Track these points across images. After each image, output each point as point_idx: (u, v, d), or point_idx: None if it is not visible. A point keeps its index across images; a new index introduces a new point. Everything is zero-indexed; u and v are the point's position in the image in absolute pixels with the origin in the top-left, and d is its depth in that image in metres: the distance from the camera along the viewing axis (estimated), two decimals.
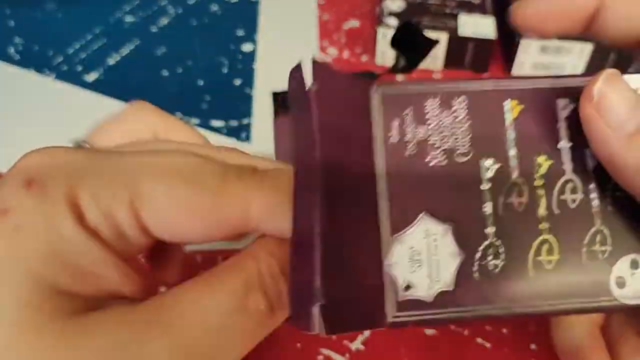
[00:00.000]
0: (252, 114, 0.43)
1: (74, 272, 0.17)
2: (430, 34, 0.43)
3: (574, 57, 0.44)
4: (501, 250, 0.19)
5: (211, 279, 0.19)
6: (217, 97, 0.44)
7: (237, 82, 0.45)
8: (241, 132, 0.42)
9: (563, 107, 0.20)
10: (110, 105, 0.44)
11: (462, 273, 0.19)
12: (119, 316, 0.17)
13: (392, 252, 0.19)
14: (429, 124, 0.20)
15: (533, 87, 0.21)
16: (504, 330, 0.31)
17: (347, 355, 0.31)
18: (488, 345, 0.31)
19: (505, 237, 0.19)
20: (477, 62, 0.45)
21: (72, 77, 0.46)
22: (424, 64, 0.45)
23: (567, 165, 0.20)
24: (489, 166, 0.20)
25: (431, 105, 0.20)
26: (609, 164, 0.19)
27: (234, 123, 0.42)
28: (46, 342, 0.15)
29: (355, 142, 0.20)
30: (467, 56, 0.45)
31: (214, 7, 0.53)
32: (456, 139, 0.20)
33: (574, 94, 0.20)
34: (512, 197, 0.20)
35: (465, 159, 0.20)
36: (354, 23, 0.51)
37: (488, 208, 0.20)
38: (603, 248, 0.19)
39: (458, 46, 0.44)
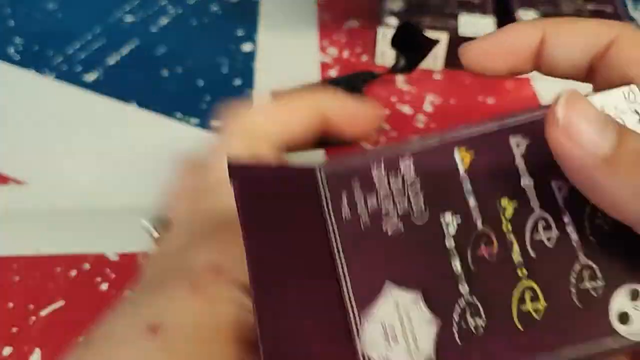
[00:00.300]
0: None
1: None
2: (430, 33, 0.43)
3: None
4: (480, 307, 0.18)
5: None
6: (217, 97, 0.44)
7: (237, 82, 0.45)
8: None
9: (517, 145, 0.19)
10: (110, 105, 0.44)
11: (443, 341, 0.17)
12: None
13: (363, 331, 0.18)
14: (379, 193, 0.19)
15: (480, 132, 0.19)
16: None
17: None
18: None
19: (482, 292, 0.18)
20: None
21: (72, 77, 0.46)
22: (424, 64, 0.45)
23: (534, 202, 0.18)
24: (450, 221, 0.19)
25: (377, 174, 0.20)
26: (588, 190, 0.17)
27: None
28: None
29: (299, 226, 0.19)
30: None
31: (214, 7, 0.53)
32: (409, 201, 0.19)
33: (526, 130, 0.19)
34: (481, 248, 0.18)
35: (424, 220, 0.19)
36: (353, 23, 0.51)
37: (457, 265, 0.18)
38: (594, 284, 0.17)
39: (458, 46, 0.44)
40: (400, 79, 0.45)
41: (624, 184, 0.16)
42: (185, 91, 0.45)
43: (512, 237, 0.18)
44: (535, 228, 0.18)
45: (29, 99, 0.44)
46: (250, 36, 0.50)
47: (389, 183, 0.19)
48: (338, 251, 0.19)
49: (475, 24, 0.44)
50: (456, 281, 0.18)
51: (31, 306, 0.32)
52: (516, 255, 0.18)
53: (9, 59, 0.47)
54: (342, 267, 0.18)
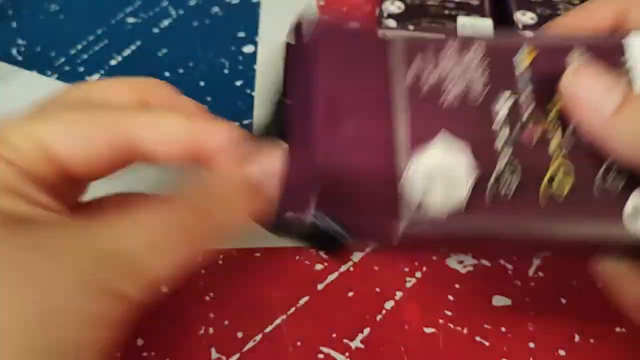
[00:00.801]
0: (253, 115, 0.43)
1: (11, 194, 0.21)
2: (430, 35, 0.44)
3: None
4: (514, 176, 0.20)
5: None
6: (218, 98, 0.45)
7: (238, 83, 0.46)
8: None
9: (577, 57, 0.21)
10: None
11: (475, 194, 0.20)
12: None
13: (408, 165, 0.20)
14: (446, 68, 0.21)
15: (551, 39, 0.22)
16: (503, 329, 0.31)
17: (347, 354, 0.31)
18: (487, 343, 0.31)
19: (519, 164, 0.20)
20: None
21: (74, 78, 0.46)
22: None
23: None
24: (502, 103, 0.21)
25: (449, 52, 0.22)
26: (598, 144, 0.20)
27: (234, 124, 0.43)
28: None
29: (366, 81, 0.21)
30: None
31: (215, 9, 0.53)
32: (470, 81, 0.21)
33: (588, 48, 0.21)
34: (529, 127, 0.21)
35: (483, 92, 0.21)
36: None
37: (505, 133, 0.21)
38: (617, 181, 0.20)
39: None
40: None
41: (627, 134, 0.19)
42: (187, 92, 0.45)
43: (557, 123, 0.21)
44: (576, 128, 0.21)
45: (32, 99, 0.44)
46: (251, 38, 0.50)
47: (457, 61, 0.22)
48: (398, 104, 0.21)
49: (473, 26, 0.44)
50: (502, 145, 0.20)
51: None
52: (557, 139, 0.21)
53: (12, 60, 0.47)
54: (401, 114, 0.21)
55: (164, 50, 0.49)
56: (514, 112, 0.21)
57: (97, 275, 0.19)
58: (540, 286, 0.33)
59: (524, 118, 0.21)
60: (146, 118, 0.23)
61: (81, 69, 0.47)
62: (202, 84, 0.46)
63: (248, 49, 0.49)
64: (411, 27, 0.44)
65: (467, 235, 0.20)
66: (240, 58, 0.48)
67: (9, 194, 0.21)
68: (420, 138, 0.20)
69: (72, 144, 0.22)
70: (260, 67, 0.47)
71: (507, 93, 0.21)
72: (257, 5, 0.54)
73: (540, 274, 0.34)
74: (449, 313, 0.32)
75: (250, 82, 0.46)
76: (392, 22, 0.45)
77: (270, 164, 0.22)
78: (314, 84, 0.21)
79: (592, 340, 0.31)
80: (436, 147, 0.20)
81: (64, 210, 0.22)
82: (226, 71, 0.47)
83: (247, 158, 0.22)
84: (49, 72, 0.46)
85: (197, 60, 0.48)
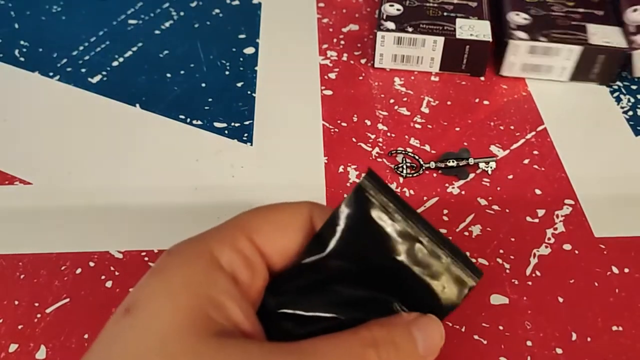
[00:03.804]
0: (254, 116, 0.44)
1: (217, 307, 0.21)
2: (427, 37, 0.44)
3: (561, 59, 0.45)
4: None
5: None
6: (220, 99, 0.45)
7: (239, 84, 0.46)
8: (243, 133, 0.42)
9: None
10: (114, 107, 0.44)
11: None
12: (243, 344, 0.21)
13: None
14: None
15: None
16: (500, 327, 0.32)
17: None
18: (485, 341, 0.31)
19: None
20: (473, 65, 0.46)
21: (76, 79, 0.46)
22: (421, 67, 0.46)
23: None
24: None
25: None
26: None
27: (236, 125, 0.43)
28: (202, 345, 0.20)
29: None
30: (464, 59, 0.45)
31: (216, 11, 0.53)
32: None
33: None
34: None
35: None
36: (353, 27, 0.51)
37: None
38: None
39: (455, 49, 0.45)
40: (398, 81, 0.46)
41: None
42: (188, 93, 0.46)
43: None
44: None
45: (34, 101, 0.45)
46: (252, 39, 0.50)
47: None
48: None
49: (471, 27, 0.45)
50: None
51: (37, 303, 0.32)
52: None
53: (14, 62, 0.48)
54: None
55: (166, 52, 0.49)
56: None
57: None
58: (538, 285, 0.33)
59: None
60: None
61: (83, 70, 0.47)
62: (203, 85, 0.46)
63: (249, 50, 0.49)
64: (410, 29, 0.45)
65: None
66: (241, 59, 0.48)
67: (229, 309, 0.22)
68: None
69: None
70: (261, 68, 0.47)
71: None
72: (258, 6, 0.54)
73: (538, 273, 0.34)
74: None
75: (251, 83, 0.46)
76: (391, 24, 0.45)
77: None
78: None
79: (589, 339, 0.31)
80: None
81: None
82: (227, 72, 0.47)
83: None
84: (51, 73, 0.47)
85: (198, 62, 0.48)
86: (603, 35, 0.44)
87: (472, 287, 0.24)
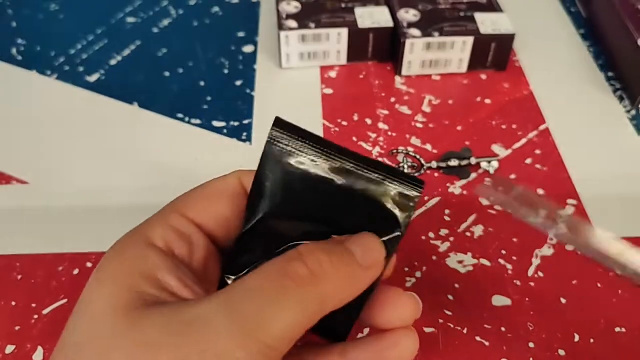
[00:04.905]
0: (253, 115, 0.43)
1: (150, 281, 0.22)
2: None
3: (457, 51, 0.45)
4: None
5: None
6: (219, 98, 0.45)
7: (238, 83, 0.46)
8: (242, 132, 0.42)
9: None
10: (111, 105, 0.44)
11: None
12: (170, 306, 0.21)
13: None
14: None
15: None
16: (503, 329, 0.31)
17: None
18: (487, 343, 0.31)
19: None
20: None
21: (74, 77, 0.46)
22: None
23: None
24: None
25: None
26: None
27: (235, 123, 0.43)
28: (127, 321, 0.21)
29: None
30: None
31: (215, 9, 0.53)
32: None
33: None
34: None
35: None
36: None
37: None
38: None
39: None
40: (399, 80, 0.46)
41: None
42: (187, 92, 0.45)
43: None
44: None
45: (32, 99, 0.45)
46: (251, 38, 0.50)
47: None
48: None
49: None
50: None
51: (34, 304, 0.32)
52: None
53: (12, 60, 0.47)
54: None
55: (164, 50, 0.49)
56: None
57: None
58: (540, 286, 0.33)
59: None
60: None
61: (81, 69, 0.47)
62: (202, 83, 0.46)
63: (248, 48, 0.49)
64: (312, 25, 0.44)
65: None
66: (241, 58, 0.48)
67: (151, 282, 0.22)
68: None
69: None
70: (260, 66, 0.47)
71: None
72: (257, 5, 0.54)
73: (540, 274, 0.34)
74: (448, 313, 0.32)
75: (250, 82, 0.46)
76: (292, 23, 0.45)
77: None
78: None
79: (591, 340, 0.31)
80: None
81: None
82: (226, 71, 0.47)
83: None
84: (49, 72, 0.46)
85: (197, 60, 0.48)
86: (491, 23, 0.45)
87: (417, 197, 0.23)
